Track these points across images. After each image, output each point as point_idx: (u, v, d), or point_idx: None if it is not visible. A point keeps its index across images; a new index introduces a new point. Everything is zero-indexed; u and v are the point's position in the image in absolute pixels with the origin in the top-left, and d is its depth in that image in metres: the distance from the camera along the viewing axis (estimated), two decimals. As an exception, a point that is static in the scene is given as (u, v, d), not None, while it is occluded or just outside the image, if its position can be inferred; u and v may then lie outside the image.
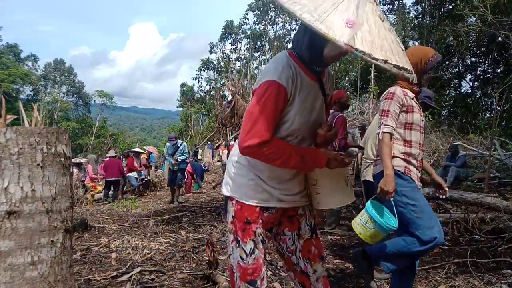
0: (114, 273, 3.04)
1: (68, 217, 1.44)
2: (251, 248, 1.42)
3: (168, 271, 3.14)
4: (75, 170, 9.68)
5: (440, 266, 3.13)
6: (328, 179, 1.46)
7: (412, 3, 19.10)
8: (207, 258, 2.91)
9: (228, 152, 13.26)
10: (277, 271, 3.13)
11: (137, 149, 10.98)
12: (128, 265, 3.29)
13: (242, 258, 1.43)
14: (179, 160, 7.84)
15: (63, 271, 1.39)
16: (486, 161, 7.01)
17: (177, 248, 3.87)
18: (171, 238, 4.29)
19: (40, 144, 1.34)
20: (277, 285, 2.80)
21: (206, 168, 11.38)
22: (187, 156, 8.37)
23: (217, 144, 15.91)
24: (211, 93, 31.34)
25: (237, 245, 1.43)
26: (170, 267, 3.25)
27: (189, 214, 5.92)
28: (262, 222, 1.43)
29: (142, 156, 10.83)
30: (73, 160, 11.12)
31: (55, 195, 1.37)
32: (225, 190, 1.49)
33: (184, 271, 3.14)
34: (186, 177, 9.48)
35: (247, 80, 26.07)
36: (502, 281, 2.77)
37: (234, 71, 29.01)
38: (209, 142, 19.51)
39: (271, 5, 29.01)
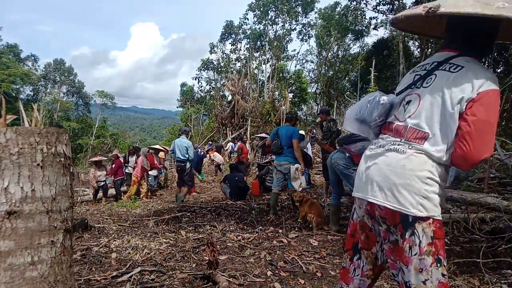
0: (114, 273, 3.04)
1: (68, 217, 1.44)
2: (446, 262, 1.41)
3: (168, 271, 3.14)
4: (92, 170, 9.63)
5: (440, 266, 3.13)
6: None
7: (412, 3, 19.06)
8: (207, 258, 2.91)
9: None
10: (277, 271, 3.13)
11: (157, 146, 10.90)
12: (128, 265, 3.29)
13: (443, 275, 1.38)
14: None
15: (63, 271, 1.39)
16: (486, 161, 7.00)
17: (177, 248, 3.86)
18: (171, 238, 4.28)
19: (40, 144, 1.34)
20: (277, 285, 2.80)
21: (203, 153, 11.49)
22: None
23: (207, 149, 15.69)
24: (211, 93, 31.31)
25: (438, 265, 1.37)
26: (170, 267, 3.25)
27: (189, 214, 5.92)
28: None
29: (160, 154, 10.78)
30: (92, 158, 11.04)
31: (55, 195, 1.37)
32: (417, 211, 1.34)
33: (184, 271, 3.14)
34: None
35: (247, 80, 26.05)
36: (502, 281, 2.77)
37: (234, 71, 28.98)
38: (209, 142, 19.49)
39: (271, 5, 28.98)
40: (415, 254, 1.35)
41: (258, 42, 30.82)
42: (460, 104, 1.31)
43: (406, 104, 1.49)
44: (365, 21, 25.57)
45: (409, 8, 1.53)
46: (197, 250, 3.79)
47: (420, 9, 1.34)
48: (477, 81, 1.30)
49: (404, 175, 1.36)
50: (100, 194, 9.41)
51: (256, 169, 10.13)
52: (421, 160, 1.36)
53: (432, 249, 1.35)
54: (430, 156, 1.36)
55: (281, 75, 29.18)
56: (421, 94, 1.44)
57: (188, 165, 7.51)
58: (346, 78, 28.76)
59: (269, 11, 29.62)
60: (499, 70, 17.35)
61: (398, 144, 1.43)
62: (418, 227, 1.34)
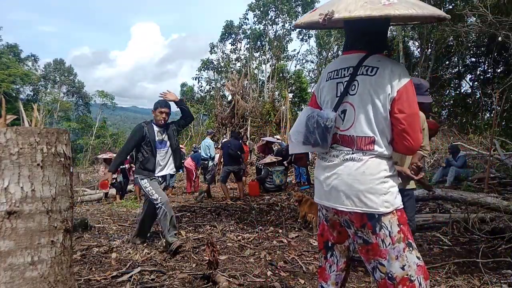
0: (114, 273, 3.04)
1: (68, 217, 1.44)
2: (415, 245, 1.53)
3: (168, 271, 3.14)
4: (101, 167, 9.27)
5: (440, 266, 3.13)
6: None
7: (412, 3, 19.03)
8: (207, 258, 2.91)
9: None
10: (277, 271, 3.13)
11: None
12: (128, 265, 3.29)
13: (418, 258, 1.50)
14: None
15: (63, 271, 1.39)
16: (486, 161, 7.00)
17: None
18: (171, 238, 4.28)
19: (40, 144, 1.34)
20: (277, 285, 2.80)
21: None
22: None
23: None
24: (211, 93, 31.30)
25: (410, 248, 1.49)
26: (170, 267, 3.25)
27: (189, 214, 5.92)
28: None
29: None
30: (101, 156, 10.60)
31: (55, 195, 1.37)
32: (385, 208, 1.47)
33: (184, 271, 3.14)
34: (195, 174, 9.60)
35: (247, 80, 26.04)
36: (502, 281, 2.77)
37: (234, 71, 28.97)
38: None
39: (271, 5, 28.96)
40: (389, 245, 1.48)
41: (258, 42, 30.79)
42: (386, 104, 1.46)
43: (341, 114, 1.58)
44: (365, 21, 25.48)
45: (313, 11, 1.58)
46: (197, 250, 3.79)
47: (316, 17, 1.45)
48: (393, 79, 1.45)
49: (366, 181, 1.48)
50: (113, 191, 8.98)
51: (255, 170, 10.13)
52: (376, 163, 1.50)
53: (401, 235, 1.48)
54: (382, 156, 1.51)
55: (281, 75, 29.17)
56: (352, 102, 1.54)
57: (210, 163, 8.32)
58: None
59: (269, 11, 29.59)
60: (499, 70, 17.35)
61: (353, 153, 1.54)
62: (385, 220, 1.48)
